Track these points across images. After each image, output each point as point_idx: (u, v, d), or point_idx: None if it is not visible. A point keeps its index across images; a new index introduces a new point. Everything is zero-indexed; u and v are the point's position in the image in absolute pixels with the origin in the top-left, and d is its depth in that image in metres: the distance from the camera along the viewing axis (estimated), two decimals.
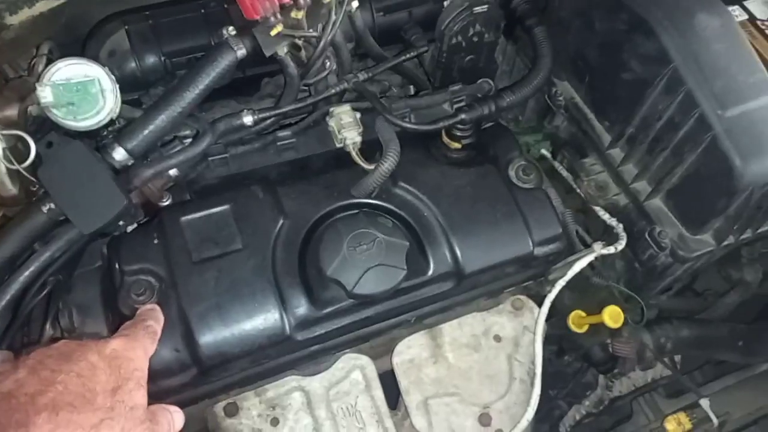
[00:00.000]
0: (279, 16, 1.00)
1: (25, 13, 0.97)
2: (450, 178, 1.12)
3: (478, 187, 1.12)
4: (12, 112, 0.91)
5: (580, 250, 1.21)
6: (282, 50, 1.05)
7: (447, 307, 1.15)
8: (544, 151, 1.37)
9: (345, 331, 1.06)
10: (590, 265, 1.21)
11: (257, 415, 1.11)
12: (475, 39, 1.25)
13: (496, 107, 1.14)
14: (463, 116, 1.12)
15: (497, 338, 1.22)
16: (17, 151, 0.93)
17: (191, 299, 0.97)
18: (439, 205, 1.09)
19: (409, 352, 1.18)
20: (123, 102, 0.97)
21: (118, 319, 0.97)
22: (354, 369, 1.15)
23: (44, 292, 0.98)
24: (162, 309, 0.96)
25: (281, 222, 1.05)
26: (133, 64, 1.11)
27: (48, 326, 0.98)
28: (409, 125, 1.10)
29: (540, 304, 1.23)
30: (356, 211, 1.06)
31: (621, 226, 1.19)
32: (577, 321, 1.23)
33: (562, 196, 1.27)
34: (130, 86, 1.10)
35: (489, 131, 1.22)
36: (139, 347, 0.79)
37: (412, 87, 1.37)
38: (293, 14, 1.03)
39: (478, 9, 1.20)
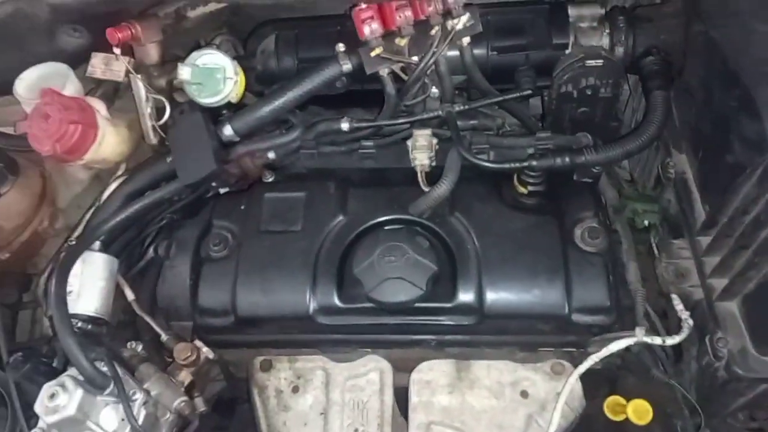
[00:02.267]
0: (381, 40, 1.13)
1: (200, 10, 1.26)
2: (505, 219, 1.13)
3: (529, 235, 1.11)
4: (163, 82, 1.20)
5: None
6: (384, 71, 1.18)
7: (470, 342, 1.16)
8: (647, 223, 1.27)
9: (364, 331, 1.15)
10: (655, 356, 1.11)
11: (284, 378, 1.25)
12: (589, 92, 1.22)
13: (571, 162, 1.11)
14: (533, 163, 1.12)
15: (524, 394, 1.19)
16: (162, 112, 1.22)
17: (246, 260, 1.16)
18: (483, 242, 1.11)
19: (430, 373, 1.21)
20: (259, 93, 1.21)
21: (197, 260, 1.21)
22: (374, 370, 1.22)
23: (161, 224, 1.27)
24: (225, 261, 1.17)
25: (340, 218, 1.19)
26: (274, 63, 1.34)
27: (151, 250, 1.26)
28: (475, 160, 1.14)
29: None
30: (401, 226, 1.14)
31: (691, 321, 1.06)
32: (613, 407, 1.13)
33: (650, 274, 1.17)
34: (270, 81, 1.34)
35: (571, 185, 1.19)
36: None
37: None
38: (397, 41, 1.16)
39: (591, 63, 1.17)
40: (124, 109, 1.27)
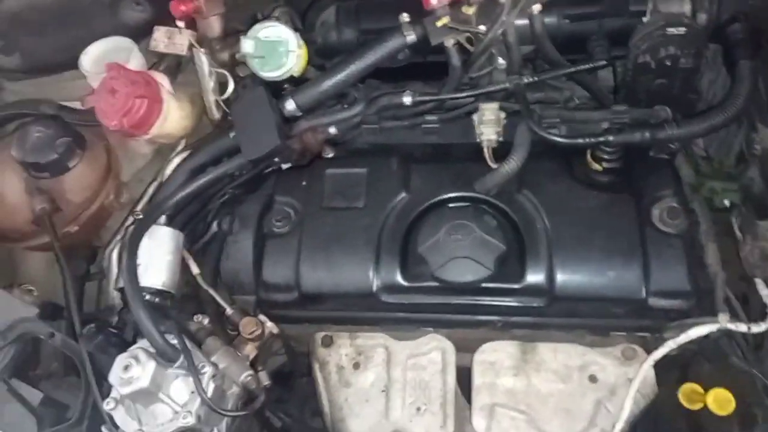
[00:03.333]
0: (448, 8, 1.08)
1: None
2: (577, 197, 1.08)
3: (604, 215, 1.06)
4: (225, 55, 1.19)
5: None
6: (449, 41, 1.13)
7: (537, 325, 1.12)
8: (727, 203, 1.19)
9: (427, 309, 1.13)
10: (734, 343, 1.05)
11: (345, 354, 1.25)
12: (668, 62, 1.14)
13: (651, 137, 1.05)
14: (609, 138, 1.06)
15: (593, 378, 1.15)
16: (224, 87, 1.21)
17: (309, 236, 1.15)
18: (554, 221, 1.07)
19: (494, 354, 1.18)
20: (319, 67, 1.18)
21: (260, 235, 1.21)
22: (436, 349, 1.20)
23: (223, 198, 1.27)
24: (288, 237, 1.17)
25: (403, 195, 1.16)
26: (334, 36, 1.31)
27: (215, 225, 1.27)
28: (547, 135, 1.09)
29: None
30: (467, 204, 1.11)
31: None
32: (689, 395, 1.08)
33: (732, 257, 1.11)
34: (330, 54, 1.32)
35: (647, 161, 1.12)
36: None
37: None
38: (464, 9, 1.11)
39: (672, 30, 1.09)
40: (186, 84, 1.26)
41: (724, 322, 0.98)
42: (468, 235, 1.05)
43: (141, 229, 1.08)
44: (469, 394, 1.19)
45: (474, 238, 1.04)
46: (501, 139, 1.14)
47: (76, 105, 1.30)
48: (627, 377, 1.14)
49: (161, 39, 1.19)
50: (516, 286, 1.06)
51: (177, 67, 1.25)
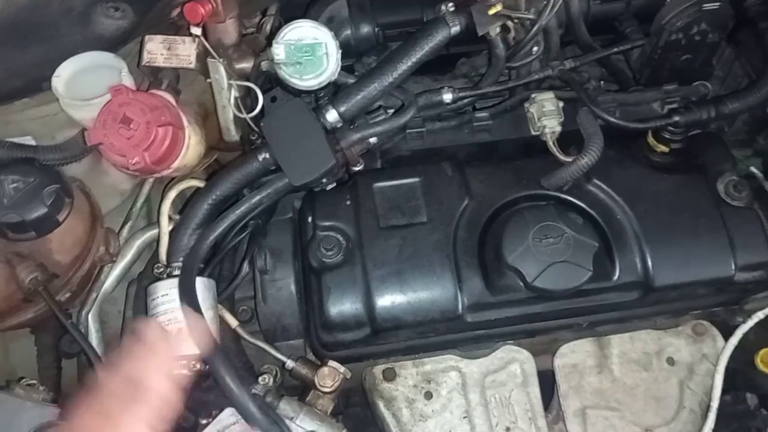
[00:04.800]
0: None
1: None
2: (650, 182, 1.05)
3: (681, 197, 1.04)
4: (247, 65, 1.00)
5: None
6: (494, 30, 1.04)
7: (625, 318, 1.09)
8: (753, 169, 1.23)
9: (514, 322, 1.04)
10: None
11: (413, 385, 1.13)
12: (697, 38, 1.15)
13: (717, 113, 1.05)
14: (677, 118, 1.04)
15: (670, 361, 1.14)
16: (244, 101, 1.02)
17: (375, 262, 1.01)
18: (635, 209, 1.03)
19: (573, 356, 1.13)
20: None
21: (306, 268, 1.05)
22: (513, 362, 1.12)
23: (245, 234, 1.08)
24: (346, 267, 1.02)
25: (466, 202, 1.06)
26: (348, 32, 1.17)
27: (246, 264, 1.07)
28: (616, 121, 1.05)
29: (724, 333, 1.13)
30: (545, 202, 1.04)
31: None
32: (767, 360, 1.10)
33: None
34: (344, 52, 1.16)
35: (699, 138, 1.12)
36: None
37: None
38: None
39: (708, 6, 1.09)
40: (187, 102, 1.05)
41: None
42: (560, 237, 0.98)
43: (189, 284, 0.87)
44: (550, 398, 1.14)
45: (567, 239, 0.97)
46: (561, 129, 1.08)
47: (28, 140, 1.04)
48: (701, 353, 1.14)
49: (157, 51, 0.97)
50: (610, 283, 1.01)
51: (177, 82, 1.03)
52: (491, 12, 1.00)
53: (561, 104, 1.07)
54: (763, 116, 1.22)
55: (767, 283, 1.05)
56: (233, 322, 1.03)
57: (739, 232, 1.02)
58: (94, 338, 1.13)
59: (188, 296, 0.85)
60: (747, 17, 1.16)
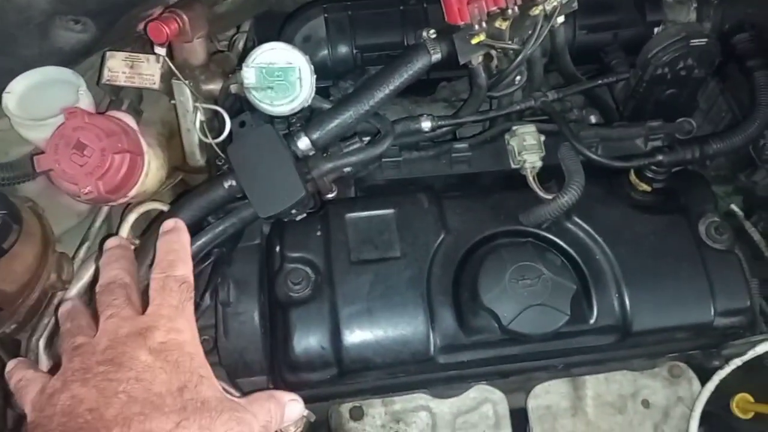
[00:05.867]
0: (484, 24, 0.95)
1: None
2: (632, 222, 1.02)
3: (664, 239, 1.01)
4: (215, 87, 0.95)
5: (763, 329, 1.06)
6: (477, 59, 1.00)
7: (601, 360, 1.06)
8: (734, 207, 1.22)
9: (488, 363, 1.00)
10: None
11: (381, 425, 1.09)
12: (683, 73, 1.12)
13: (701, 154, 1.02)
14: (661, 158, 1.02)
15: (645, 403, 1.11)
16: (211, 125, 0.96)
17: (345, 299, 0.96)
18: (615, 251, 1.00)
19: (547, 397, 1.10)
20: None
21: (272, 301, 1.00)
22: (486, 402, 1.09)
23: (207, 263, 1.02)
24: (314, 303, 0.97)
25: (442, 236, 1.01)
26: (325, 52, 1.12)
27: (207, 296, 1.02)
28: (597, 158, 1.01)
29: (701, 375, 1.11)
30: (523, 240, 1.00)
31: None
32: (742, 405, 1.08)
33: (748, 262, 1.12)
34: (319, 74, 1.11)
35: (681, 176, 1.10)
36: (184, 330, 0.68)
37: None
38: (497, 23, 0.98)
39: (695, 42, 1.07)
40: (150, 121, 0.99)
41: None
42: (537, 279, 0.94)
43: None
44: None
45: (544, 280, 0.94)
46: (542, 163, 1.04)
47: None
48: (677, 395, 1.12)
49: (119, 69, 0.91)
50: (587, 326, 0.98)
51: (140, 102, 0.96)
52: (474, 41, 0.96)
53: (542, 138, 1.03)
54: (746, 154, 1.20)
55: (746, 328, 1.03)
56: None
57: (720, 276, 1.00)
58: (44, 366, 1.07)
59: None
60: (735, 54, 1.14)
